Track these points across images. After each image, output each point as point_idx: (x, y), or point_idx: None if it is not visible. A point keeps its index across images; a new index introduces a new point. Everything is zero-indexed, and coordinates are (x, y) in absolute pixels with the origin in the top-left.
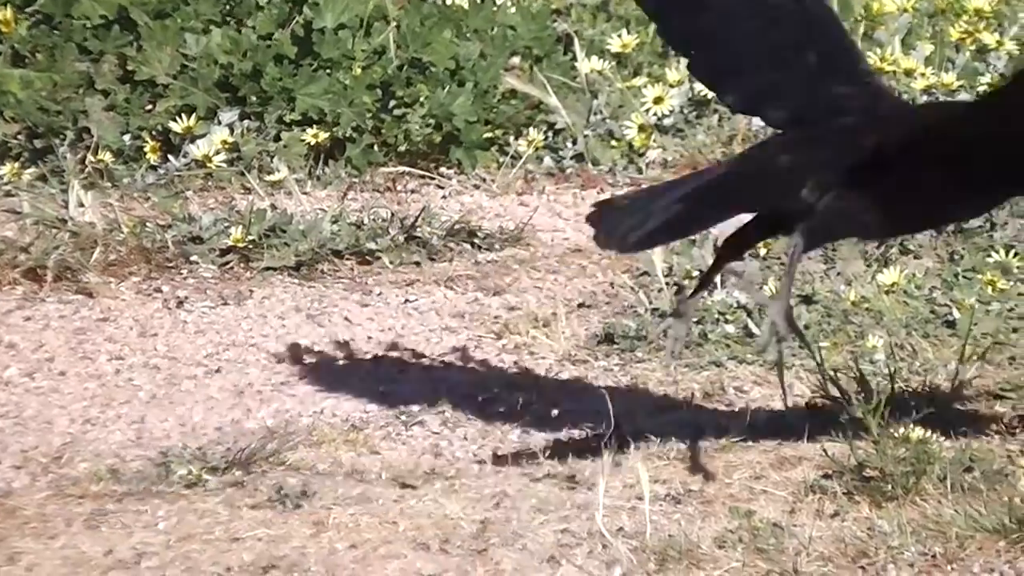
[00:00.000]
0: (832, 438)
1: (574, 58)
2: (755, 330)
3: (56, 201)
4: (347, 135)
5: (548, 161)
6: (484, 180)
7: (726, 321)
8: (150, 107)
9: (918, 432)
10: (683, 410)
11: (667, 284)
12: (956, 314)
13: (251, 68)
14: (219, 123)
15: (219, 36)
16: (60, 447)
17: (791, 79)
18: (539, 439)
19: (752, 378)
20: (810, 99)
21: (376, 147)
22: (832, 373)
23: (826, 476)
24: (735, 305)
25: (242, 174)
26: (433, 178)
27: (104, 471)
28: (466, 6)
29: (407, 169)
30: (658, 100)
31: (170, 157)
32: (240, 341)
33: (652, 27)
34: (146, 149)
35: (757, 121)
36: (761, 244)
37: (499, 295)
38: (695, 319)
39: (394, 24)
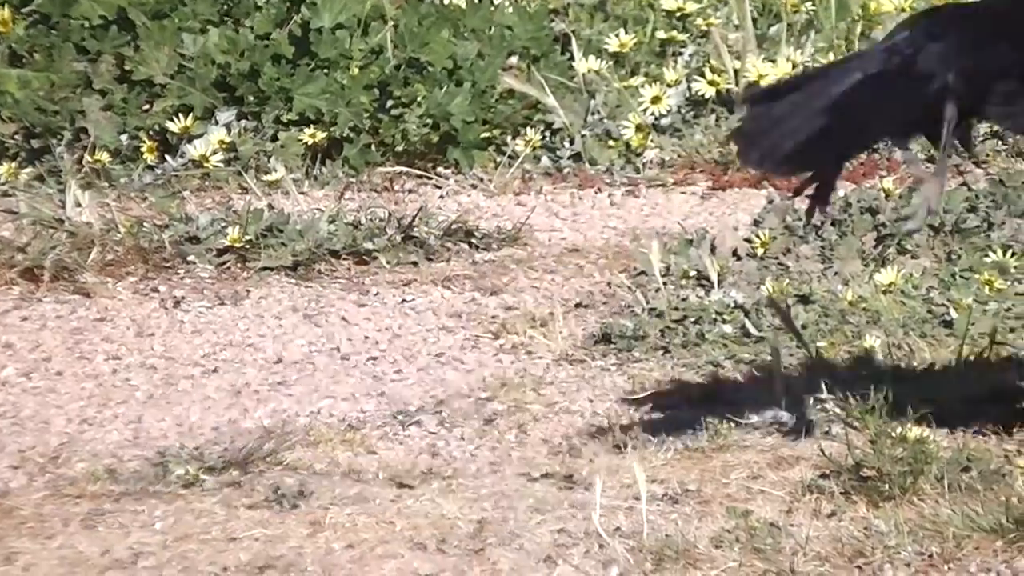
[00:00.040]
0: (829, 438)
1: (571, 58)
2: (752, 330)
3: (53, 201)
4: (344, 135)
5: (545, 161)
6: (481, 180)
7: (723, 321)
8: (147, 107)
9: (915, 432)
10: (680, 410)
11: (664, 284)
12: (953, 314)
13: (248, 68)
14: (216, 123)
15: (216, 36)
16: (57, 447)
17: None
18: (536, 439)
19: (749, 377)
20: None
21: (373, 147)
22: (828, 373)
23: (823, 476)
24: (732, 305)
25: (239, 174)
26: (430, 178)
27: (101, 471)
28: (463, 6)
29: (404, 169)
30: (655, 100)
31: (167, 157)
32: (237, 341)
33: (649, 26)
34: (143, 149)
35: None
36: (759, 244)
37: (496, 295)
38: (693, 319)
39: (392, 24)
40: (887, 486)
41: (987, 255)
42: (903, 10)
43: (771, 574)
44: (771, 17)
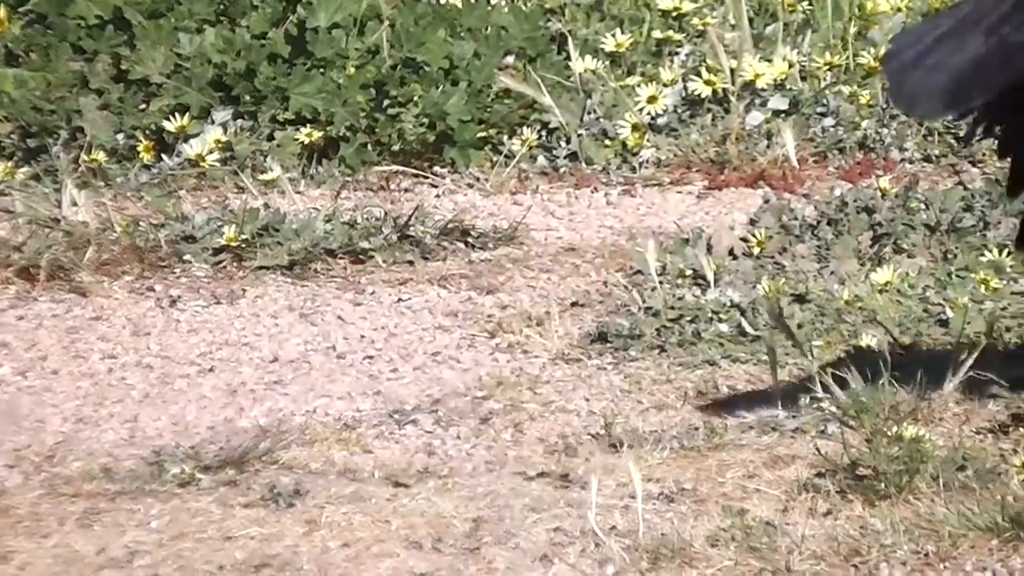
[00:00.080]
0: (825, 437)
1: (568, 57)
2: (748, 329)
3: (49, 200)
4: (341, 134)
5: (542, 160)
6: (478, 179)
7: (719, 320)
8: (144, 106)
9: (911, 431)
10: (676, 409)
11: (660, 283)
12: (950, 313)
13: (245, 67)
14: (212, 122)
15: (213, 35)
16: (53, 446)
17: None
18: (532, 438)
19: (745, 377)
20: None
21: (370, 146)
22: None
23: (819, 475)
24: (729, 304)
25: (235, 173)
26: (427, 177)
27: (97, 470)
28: (460, 5)
29: (401, 168)
30: (652, 99)
31: (163, 156)
32: (233, 340)
33: (646, 26)
34: (139, 148)
35: (751, 120)
36: (755, 243)
37: (492, 294)
38: (689, 318)
39: (388, 23)
40: (883, 485)
41: (983, 254)
42: (899, 9)
43: (767, 573)
44: (767, 16)
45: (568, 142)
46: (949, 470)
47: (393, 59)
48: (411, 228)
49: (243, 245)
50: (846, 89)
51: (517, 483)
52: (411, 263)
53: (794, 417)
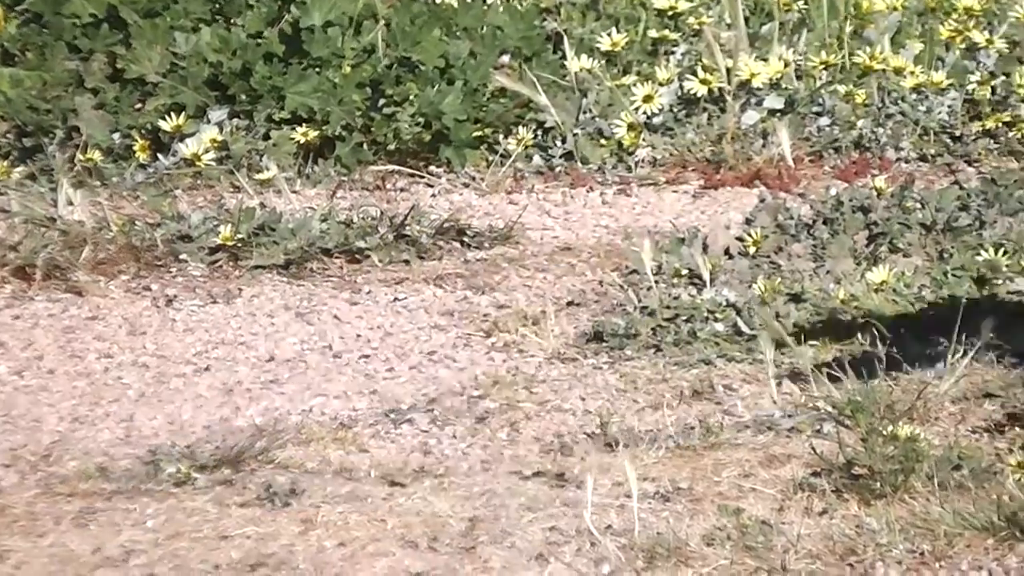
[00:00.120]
0: (821, 436)
1: (563, 57)
2: (744, 328)
3: (45, 199)
4: (336, 133)
5: (537, 159)
6: (473, 179)
7: (715, 319)
8: (139, 105)
9: (907, 430)
10: (672, 408)
11: (656, 282)
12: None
13: (240, 67)
14: (208, 121)
15: (208, 35)
16: (49, 445)
17: None
18: (528, 437)
19: (741, 376)
20: None
21: (365, 146)
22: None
23: (815, 474)
24: (724, 304)
25: (231, 172)
26: (423, 176)
27: (93, 469)
28: (455, 5)
29: (396, 168)
30: (647, 98)
31: (159, 155)
32: (229, 339)
33: (641, 25)
34: (135, 147)
35: (747, 119)
36: (751, 243)
37: (488, 293)
38: (685, 317)
39: (383, 23)
40: (879, 484)
41: (979, 253)
42: (895, 8)
43: (762, 572)
44: (763, 16)
45: (564, 141)
46: (945, 469)
47: (389, 58)
48: (407, 227)
49: (239, 244)
50: (842, 88)
51: (513, 482)
52: (407, 262)
53: (790, 416)
